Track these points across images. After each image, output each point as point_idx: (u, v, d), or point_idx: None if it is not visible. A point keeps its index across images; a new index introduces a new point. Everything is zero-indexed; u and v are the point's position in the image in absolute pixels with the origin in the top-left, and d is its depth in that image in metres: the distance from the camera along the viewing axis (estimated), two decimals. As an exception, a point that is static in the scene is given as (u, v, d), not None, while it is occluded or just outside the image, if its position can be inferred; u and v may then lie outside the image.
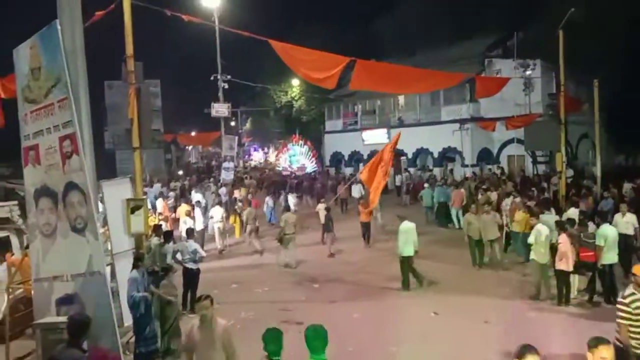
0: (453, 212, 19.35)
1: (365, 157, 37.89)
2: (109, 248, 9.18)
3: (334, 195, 23.66)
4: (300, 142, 40.38)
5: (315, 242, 17.23)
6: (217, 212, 17.22)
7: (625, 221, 11.55)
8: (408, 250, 11.63)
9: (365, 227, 16.83)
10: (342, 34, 38.00)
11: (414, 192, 25.76)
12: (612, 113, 26.77)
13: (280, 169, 40.42)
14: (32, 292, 7.64)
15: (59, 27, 6.55)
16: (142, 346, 8.04)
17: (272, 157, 53.58)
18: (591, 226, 10.66)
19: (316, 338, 4.37)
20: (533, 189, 18.58)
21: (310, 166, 38.87)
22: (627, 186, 17.11)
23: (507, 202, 14.97)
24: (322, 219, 17.06)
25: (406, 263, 11.71)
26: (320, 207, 17.46)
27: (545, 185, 19.53)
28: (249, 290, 12.06)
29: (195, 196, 20.77)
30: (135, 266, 8.21)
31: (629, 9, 26.21)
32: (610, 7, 26.07)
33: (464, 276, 12.83)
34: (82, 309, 6.49)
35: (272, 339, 4.54)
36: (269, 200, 22.51)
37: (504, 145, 30.22)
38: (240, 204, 20.08)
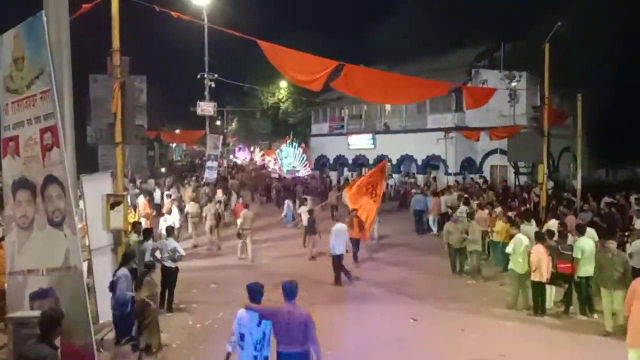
0: (431, 220, 19.52)
1: (350, 161, 38.05)
2: (87, 243, 9.06)
3: (322, 199, 23.40)
4: (294, 144, 39.41)
5: (298, 245, 17.17)
6: (193, 207, 17.69)
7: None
8: (340, 250, 12.88)
9: (355, 244, 14.45)
10: (333, 41, 37.96)
11: (404, 198, 25.86)
12: (594, 128, 27.18)
13: (271, 170, 39.47)
14: (6, 285, 7.50)
15: (44, 18, 6.47)
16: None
17: (257, 157, 53.24)
18: (570, 238, 10.81)
19: (290, 291, 6.09)
20: (515, 199, 18.77)
21: (303, 170, 37.92)
22: (606, 200, 17.35)
23: (480, 214, 14.84)
24: (305, 222, 17.01)
25: (337, 261, 12.89)
26: (303, 210, 17.40)
27: (526, 196, 19.73)
28: (227, 291, 11.96)
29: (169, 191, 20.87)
30: (124, 264, 8.12)
31: (615, 26, 26.65)
32: (598, 24, 26.47)
33: (443, 284, 12.89)
34: (56, 304, 6.40)
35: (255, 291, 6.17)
36: (289, 202, 21.52)
37: (487, 155, 30.47)
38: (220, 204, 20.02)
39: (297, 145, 39.16)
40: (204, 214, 17.48)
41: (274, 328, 5.84)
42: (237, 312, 6.01)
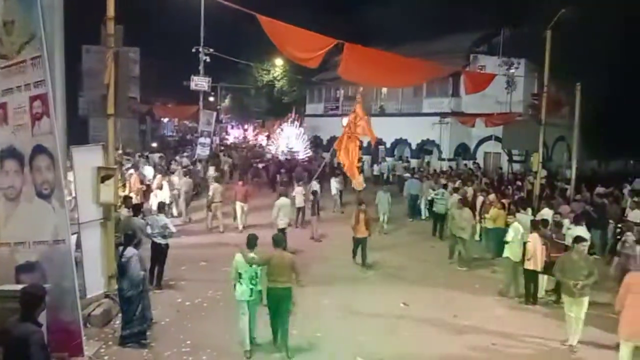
0: (422, 204, 19.46)
1: (343, 143, 37.76)
2: (76, 216, 8.86)
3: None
4: (296, 123, 36.62)
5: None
6: (186, 183, 17.93)
7: None
8: (283, 223, 13.47)
9: (361, 244, 12.68)
10: (328, 21, 37.31)
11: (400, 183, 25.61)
12: (589, 119, 27.12)
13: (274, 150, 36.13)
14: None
15: (36, -20, 6.18)
16: (135, 326, 7.80)
17: (250, 136, 52.73)
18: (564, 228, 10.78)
19: (279, 241, 7.75)
20: (509, 186, 18.74)
21: (303, 151, 35.10)
22: (599, 190, 17.35)
23: (454, 197, 15.01)
24: (298, 203, 16.85)
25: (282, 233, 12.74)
26: (298, 191, 17.08)
27: (520, 184, 19.70)
28: (217, 268, 11.81)
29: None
30: (128, 243, 7.91)
31: (617, 17, 26.44)
32: (598, 14, 26.23)
33: (435, 269, 12.87)
34: (43, 278, 6.24)
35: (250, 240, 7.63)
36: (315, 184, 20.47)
37: (481, 141, 30.42)
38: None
39: (297, 124, 36.70)
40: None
41: (267, 269, 7.54)
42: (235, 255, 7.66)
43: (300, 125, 36.63)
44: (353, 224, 12.58)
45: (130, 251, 7.82)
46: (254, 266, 7.49)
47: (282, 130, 36.89)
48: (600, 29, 25.96)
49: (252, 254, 7.46)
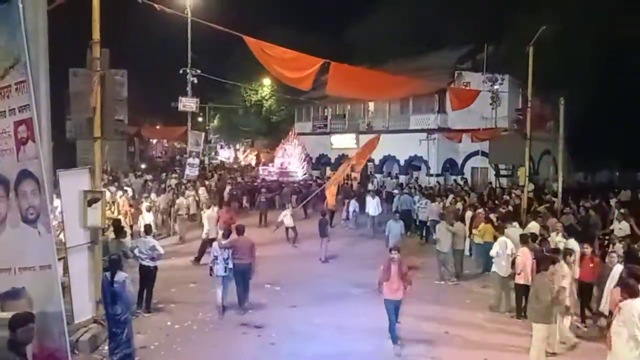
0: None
1: (332, 161, 37.87)
2: (63, 241, 8.77)
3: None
4: (295, 141, 35.30)
5: (281, 245, 17.05)
6: (182, 204, 18.29)
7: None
8: (213, 233, 14.30)
9: (392, 309, 8.81)
10: (314, 40, 37.58)
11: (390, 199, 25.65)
12: (573, 131, 27.52)
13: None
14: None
15: (20, 5, 6.17)
16: (123, 349, 7.69)
17: (241, 156, 52.64)
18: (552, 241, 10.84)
19: (242, 229, 10.69)
20: (496, 201, 18.86)
21: (301, 171, 33.92)
22: (585, 203, 17.50)
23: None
24: (288, 223, 17.23)
25: (208, 243, 13.99)
26: (285, 214, 17.36)
27: (507, 198, 19.84)
28: (207, 290, 11.70)
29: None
30: (118, 268, 7.82)
31: (596, 32, 26.99)
32: (578, 29, 26.77)
33: (425, 285, 12.83)
34: (28, 305, 6.13)
35: (225, 232, 10.81)
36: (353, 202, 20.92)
37: (468, 157, 30.68)
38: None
39: (297, 142, 35.35)
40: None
41: (233, 250, 10.34)
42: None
43: (299, 144, 35.16)
44: (381, 277, 8.79)
45: (121, 275, 7.73)
46: (225, 250, 10.28)
47: (285, 150, 35.11)
48: (579, 42, 26.49)
49: (224, 241, 10.50)
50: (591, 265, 9.85)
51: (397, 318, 8.86)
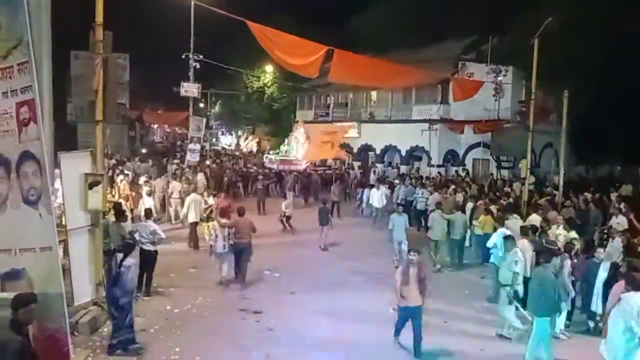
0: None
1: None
2: (64, 223, 8.78)
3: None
4: (301, 129, 35.16)
5: (281, 233, 17.14)
6: (176, 187, 18.21)
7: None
8: (193, 217, 14.63)
9: (413, 316, 8.13)
10: (316, 29, 37.38)
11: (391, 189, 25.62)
12: (575, 125, 27.46)
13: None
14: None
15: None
16: (124, 334, 7.72)
17: (242, 143, 52.50)
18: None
19: (242, 211, 11.65)
20: (497, 193, 18.85)
21: (303, 161, 33.34)
22: (586, 197, 17.45)
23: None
24: (288, 211, 17.48)
25: (194, 227, 14.62)
26: (286, 204, 17.71)
27: (508, 190, 19.82)
28: (207, 275, 11.79)
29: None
30: (128, 253, 7.90)
31: (598, 25, 26.80)
32: (582, 22, 26.58)
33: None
34: (29, 286, 6.16)
35: (225, 211, 11.71)
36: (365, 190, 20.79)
37: (470, 148, 30.57)
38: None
39: (302, 130, 35.16)
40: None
41: (234, 230, 11.17)
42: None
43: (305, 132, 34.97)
44: (399, 283, 8.07)
45: (129, 261, 7.82)
46: (226, 229, 11.13)
47: (295, 137, 35.06)
48: (584, 35, 26.32)
49: (224, 220, 11.38)
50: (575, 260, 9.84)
51: (421, 329, 7.98)
